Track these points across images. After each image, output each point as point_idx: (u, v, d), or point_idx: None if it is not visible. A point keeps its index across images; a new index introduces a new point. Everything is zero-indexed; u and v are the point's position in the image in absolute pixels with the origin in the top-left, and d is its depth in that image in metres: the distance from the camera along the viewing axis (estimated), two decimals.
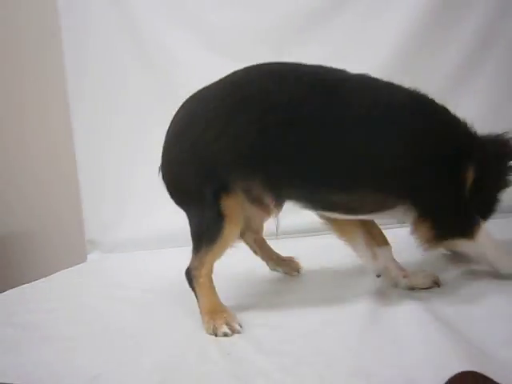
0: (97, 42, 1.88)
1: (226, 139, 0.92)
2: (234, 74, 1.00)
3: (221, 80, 1.01)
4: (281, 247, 1.24)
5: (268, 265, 1.22)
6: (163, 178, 1.04)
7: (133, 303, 1.16)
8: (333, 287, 1.09)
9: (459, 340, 0.72)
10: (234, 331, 0.88)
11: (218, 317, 0.91)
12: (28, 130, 2.16)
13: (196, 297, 0.98)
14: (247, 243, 1.20)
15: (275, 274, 1.23)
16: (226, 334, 0.87)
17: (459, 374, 0.59)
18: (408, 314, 0.85)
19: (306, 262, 1.23)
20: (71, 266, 1.72)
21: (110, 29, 1.85)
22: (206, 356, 0.80)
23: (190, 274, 0.98)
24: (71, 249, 2.02)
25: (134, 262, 1.73)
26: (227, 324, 0.89)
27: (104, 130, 1.91)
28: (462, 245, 0.95)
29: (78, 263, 1.80)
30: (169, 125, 1.04)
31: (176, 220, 1.72)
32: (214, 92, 1.00)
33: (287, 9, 1.70)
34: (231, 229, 0.94)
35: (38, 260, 2.11)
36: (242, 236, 1.13)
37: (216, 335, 0.88)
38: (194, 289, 0.98)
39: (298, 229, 1.63)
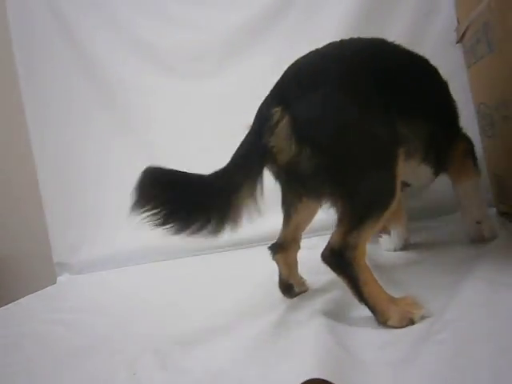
0: (52, 74, 1.94)
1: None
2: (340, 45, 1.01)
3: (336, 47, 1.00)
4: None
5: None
6: (326, 151, 0.84)
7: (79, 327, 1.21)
8: None
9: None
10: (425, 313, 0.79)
11: (403, 302, 0.81)
12: None
13: (354, 285, 0.81)
14: None
15: None
16: (422, 317, 0.78)
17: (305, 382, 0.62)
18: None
19: None
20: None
21: (62, 60, 1.91)
22: None
23: (342, 257, 0.81)
24: (42, 272, 2.05)
25: (101, 281, 1.78)
26: (417, 306, 0.80)
27: (66, 152, 1.96)
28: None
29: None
30: (309, 97, 0.86)
31: (140, 237, 1.84)
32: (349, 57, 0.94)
33: (226, 23, 1.77)
34: (399, 192, 0.85)
35: (9, 285, 2.15)
36: None
37: (413, 323, 0.78)
38: (348, 275, 0.81)
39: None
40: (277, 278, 1.07)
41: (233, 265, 1.58)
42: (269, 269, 1.33)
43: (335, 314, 0.88)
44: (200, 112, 1.80)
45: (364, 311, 0.82)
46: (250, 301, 1.12)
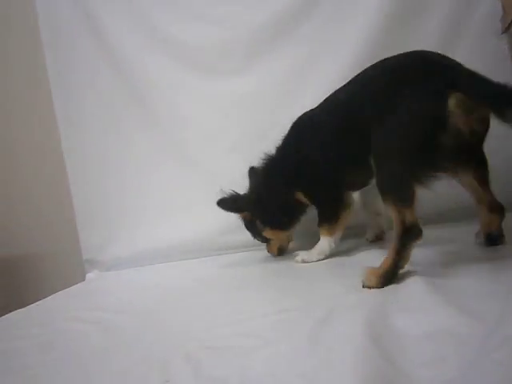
0: (81, 73, 1.93)
1: None
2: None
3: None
4: None
5: None
6: None
7: (109, 327, 1.18)
8: None
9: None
10: None
11: None
12: (22, 154, 2.23)
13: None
14: None
15: None
16: None
17: None
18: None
19: None
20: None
21: (91, 59, 1.91)
22: None
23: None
24: (71, 270, 2.06)
25: (129, 279, 1.77)
26: None
27: (95, 151, 1.96)
28: None
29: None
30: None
31: (170, 235, 1.83)
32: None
33: (253, 20, 1.73)
34: None
35: (38, 283, 2.18)
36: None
37: None
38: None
39: None
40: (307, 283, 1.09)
41: (259, 265, 1.54)
42: (301, 270, 1.32)
43: (380, 324, 0.83)
44: (227, 110, 1.77)
45: (412, 320, 0.77)
46: (282, 304, 1.07)
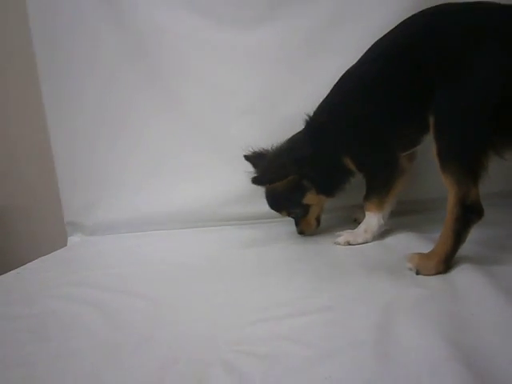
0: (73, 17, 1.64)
1: None
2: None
3: None
4: None
5: None
6: None
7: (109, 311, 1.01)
8: None
9: None
10: None
11: None
12: (2, 113, 1.98)
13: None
14: None
15: None
16: None
17: None
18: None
19: None
20: (53, 248, 1.59)
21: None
22: None
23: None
24: (52, 232, 1.86)
25: (119, 247, 1.57)
26: None
27: (79, 105, 1.70)
28: None
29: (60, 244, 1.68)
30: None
31: (165, 201, 1.64)
32: None
33: None
34: None
35: (17, 244, 1.96)
36: None
37: None
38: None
39: None
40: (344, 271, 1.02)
41: (276, 244, 1.37)
42: (330, 254, 1.17)
43: (455, 329, 0.71)
44: (242, 66, 1.54)
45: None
46: (322, 298, 0.93)
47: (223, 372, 0.71)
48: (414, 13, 1.11)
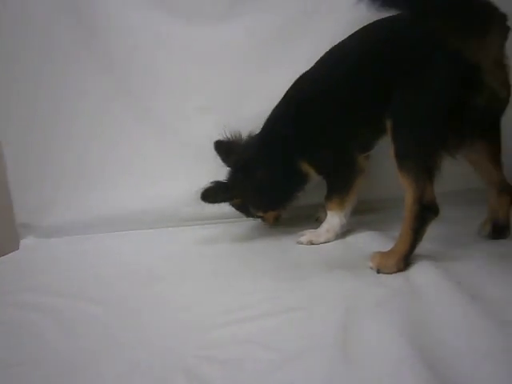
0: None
1: None
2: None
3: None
4: None
5: None
6: None
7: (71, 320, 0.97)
8: None
9: None
10: None
11: None
12: None
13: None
14: None
15: None
16: None
17: None
18: None
19: None
20: (3, 251, 1.52)
21: None
22: None
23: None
24: (3, 235, 1.76)
25: (77, 251, 1.51)
26: None
27: (30, 99, 1.61)
28: None
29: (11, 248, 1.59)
30: None
31: (121, 201, 1.59)
32: None
33: None
34: None
35: None
36: None
37: None
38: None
39: None
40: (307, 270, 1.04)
41: (241, 243, 1.36)
42: (293, 253, 1.17)
43: (418, 329, 0.73)
44: (204, 62, 1.50)
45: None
46: (286, 299, 0.92)
47: (185, 379, 0.69)
48: None
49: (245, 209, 1.35)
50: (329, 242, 1.23)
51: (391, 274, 0.97)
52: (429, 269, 0.97)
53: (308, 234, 1.25)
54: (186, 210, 1.57)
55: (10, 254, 1.54)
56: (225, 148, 1.33)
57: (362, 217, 1.39)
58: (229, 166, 1.32)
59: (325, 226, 1.24)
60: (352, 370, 0.67)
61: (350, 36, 1.16)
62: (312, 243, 1.23)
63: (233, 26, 1.46)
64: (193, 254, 1.31)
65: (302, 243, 1.23)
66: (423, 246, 1.00)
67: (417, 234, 0.97)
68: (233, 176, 1.29)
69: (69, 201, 1.66)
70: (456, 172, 1.07)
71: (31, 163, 1.65)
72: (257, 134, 1.30)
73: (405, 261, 0.97)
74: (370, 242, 1.18)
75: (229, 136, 1.31)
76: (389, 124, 1.00)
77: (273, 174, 1.25)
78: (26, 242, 1.67)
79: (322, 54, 1.23)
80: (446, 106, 0.94)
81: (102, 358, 0.79)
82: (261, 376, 0.69)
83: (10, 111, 1.63)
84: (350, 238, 1.26)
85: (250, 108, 1.38)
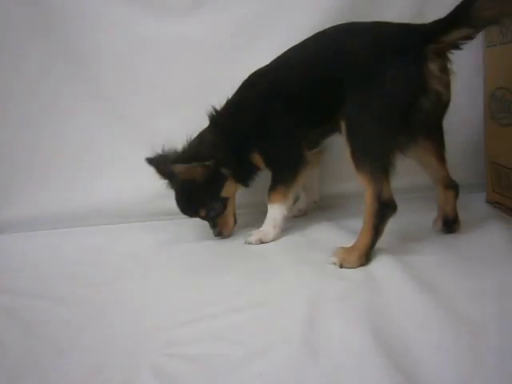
0: None
1: None
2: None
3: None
4: None
5: None
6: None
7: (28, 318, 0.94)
8: None
9: None
10: None
11: None
12: None
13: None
14: None
15: None
16: None
17: None
18: None
19: None
20: None
21: None
22: None
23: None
24: None
25: (34, 247, 1.45)
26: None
27: None
28: None
29: None
30: None
31: (83, 195, 1.55)
32: None
33: None
34: None
35: None
36: None
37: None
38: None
39: None
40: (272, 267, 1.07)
41: (205, 241, 1.33)
42: (257, 250, 1.18)
43: (380, 323, 0.76)
44: (169, 56, 1.49)
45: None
46: (253, 294, 0.94)
47: (153, 377, 0.69)
48: None
49: (210, 184, 1.25)
50: (277, 238, 1.24)
51: (353, 268, 1.00)
52: (387, 262, 1.01)
53: (256, 233, 1.24)
54: (149, 206, 1.55)
55: None
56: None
57: (324, 212, 1.42)
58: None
59: (270, 222, 1.24)
60: (317, 364, 0.69)
61: (307, 38, 1.20)
62: (262, 242, 1.23)
63: (196, 20, 1.45)
64: (157, 250, 1.29)
65: (251, 243, 1.23)
66: (383, 240, 1.04)
67: (377, 230, 1.01)
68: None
69: (25, 194, 1.59)
70: (409, 169, 1.13)
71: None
72: (209, 127, 1.31)
73: (366, 256, 1.02)
74: (333, 238, 1.21)
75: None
76: (343, 126, 1.04)
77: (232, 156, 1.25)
78: None
79: (286, 46, 1.24)
80: (397, 108, 1.00)
81: (65, 361, 0.77)
82: (229, 372, 0.69)
83: None
84: (314, 234, 1.28)
85: (214, 102, 1.37)
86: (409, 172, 1.17)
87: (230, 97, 1.29)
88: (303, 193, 1.45)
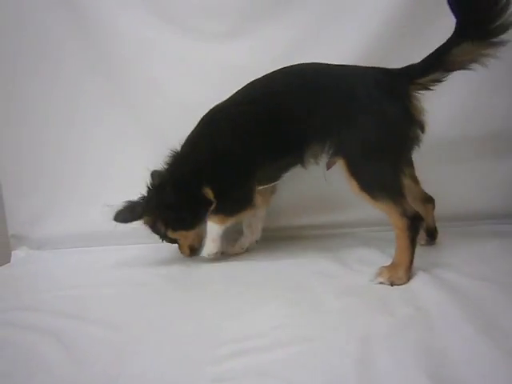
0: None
1: None
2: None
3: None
4: None
5: None
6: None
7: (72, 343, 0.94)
8: None
9: None
10: None
11: None
12: None
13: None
14: None
15: None
16: None
17: None
18: None
19: None
20: None
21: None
22: None
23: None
24: None
25: (73, 265, 1.48)
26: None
27: (25, 104, 1.58)
28: None
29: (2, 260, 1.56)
30: None
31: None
32: None
33: None
34: None
35: None
36: None
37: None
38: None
39: None
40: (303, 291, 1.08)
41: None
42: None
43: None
44: (205, 80, 1.48)
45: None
46: (293, 326, 0.91)
47: None
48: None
49: (157, 230, 1.36)
50: (216, 251, 1.31)
51: (404, 284, 1.06)
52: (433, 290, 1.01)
53: (204, 248, 1.32)
54: None
55: (1, 267, 1.50)
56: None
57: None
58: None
59: (209, 237, 1.31)
60: None
61: (270, 73, 1.24)
62: (209, 256, 1.31)
63: (237, 47, 1.45)
64: (192, 271, 1.30)
65: (205, 256, 1.32)
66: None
67: (413, 242, 1.09)
68: (147, 195, 1.33)
69: (63, 212, 1.62)
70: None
71: (24, 174, 1.61)
72: (172, 157, 1.35)
73: (411, 269, 1.08)
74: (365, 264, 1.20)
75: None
76: (343, 163, 1.12)
77: (179, 197, 1.30)
78: (18, 253, 1.63)
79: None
80: (398, 138, 1.12)
81: None
82: None
83: (4, 122, 1.59)
84: (348, 260, 1.26)
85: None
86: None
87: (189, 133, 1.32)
88: (247, 229, 1.42)
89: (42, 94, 1.57)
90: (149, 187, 1.34)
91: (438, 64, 1.06)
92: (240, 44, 1.46)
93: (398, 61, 1.16)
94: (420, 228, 1.10)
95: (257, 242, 1.43)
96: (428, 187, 1.31)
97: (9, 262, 1.58)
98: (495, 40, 0.99)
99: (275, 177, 1.32)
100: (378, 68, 1.16)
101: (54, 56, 1.54)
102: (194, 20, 1.46)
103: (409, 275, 1.06)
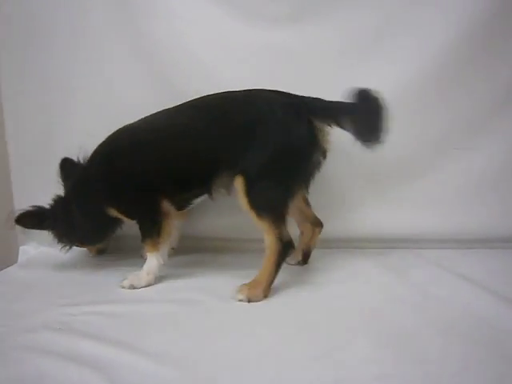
0: None
1: None
2: None
3: None
4: None
5: None
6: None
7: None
8: None
9: None
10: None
11: None
12: None
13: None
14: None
15: None
16: None
17: None
18: None
19: None
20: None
21: None
22: None
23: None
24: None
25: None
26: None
27: (38, 103, 1.47)
28: None
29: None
30: None
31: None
32: None
33: None
34: None
35: None
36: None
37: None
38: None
39: None
40: None
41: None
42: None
43: None
44: (257, 65, 1.35)
45: None
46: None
47: None
48: None
49: (64, 242, 1.32)
50: (150, 284, 1.22)
51: (259, 301, 1.10)
52: None
53: (130, 278, 1.22)
54: None
55: (11, 268, 1.37)
56: (68, 169, 1.33)
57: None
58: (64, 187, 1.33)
59: (145, 268, 1.24)
60: None
61: (182, 104, 1.22)
62: (134, 287, 1.21)
63: (300, 30, 1.33)
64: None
65: (124, 287, 1.20)
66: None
67: (278, 266, 1.14)
68: (52, 207, 1.30)
69: None
70: None
71: (34, 164, 1.50)
72: (79, 170, 1.30)
73: (268, 289, 1.12)
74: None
75: (80, 159, 1.31)
76: (239, 180, 1.13)
77: (83, 215, 1.27)
78: (26, 249, 1.49)
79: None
80: (298, 162, 1.15)
81: None
82: None
83: (18, 114, 1.48)
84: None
85: None
86: None
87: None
88: None
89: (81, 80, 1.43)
90: (55, 200, 1.30)
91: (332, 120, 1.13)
92: (304, 28, 1.33)
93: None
94: (288, 256, 1.16)
95: (173, 248, 1.33)
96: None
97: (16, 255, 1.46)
98: None
99: (182, 206, 1.28)
100: (286, 93, 1.17)
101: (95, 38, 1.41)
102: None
103: (266, 293, 1.11)
